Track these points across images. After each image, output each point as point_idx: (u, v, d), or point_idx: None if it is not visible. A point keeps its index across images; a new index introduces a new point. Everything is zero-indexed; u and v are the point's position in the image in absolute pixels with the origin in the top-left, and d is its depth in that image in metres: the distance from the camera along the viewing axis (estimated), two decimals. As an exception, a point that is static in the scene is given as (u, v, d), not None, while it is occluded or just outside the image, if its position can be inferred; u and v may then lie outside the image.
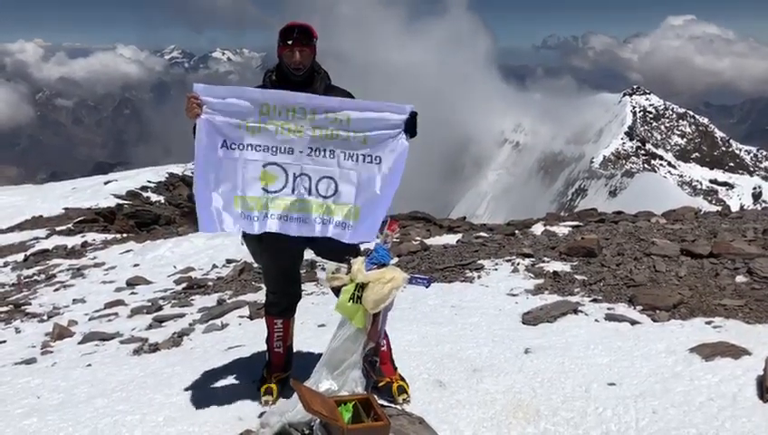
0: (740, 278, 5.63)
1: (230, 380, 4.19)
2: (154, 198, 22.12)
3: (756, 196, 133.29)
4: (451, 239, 9.19)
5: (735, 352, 3.85)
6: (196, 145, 3.41)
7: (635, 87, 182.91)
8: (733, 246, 6.32)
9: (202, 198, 3.43)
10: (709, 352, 3.88)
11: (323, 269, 3.22)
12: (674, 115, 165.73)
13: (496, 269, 7.08)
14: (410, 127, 3.41)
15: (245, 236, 3.74)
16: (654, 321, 4.86)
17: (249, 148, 3.44)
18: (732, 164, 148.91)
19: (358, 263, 3.18)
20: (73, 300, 8.74)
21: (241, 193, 3.46)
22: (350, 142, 3.44)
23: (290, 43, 3.40)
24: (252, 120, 3.41)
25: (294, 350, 4.03)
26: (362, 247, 3.67)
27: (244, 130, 3.42)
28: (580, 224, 9.17)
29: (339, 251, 3.43)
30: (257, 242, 3.66)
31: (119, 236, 15.13)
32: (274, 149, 3.44)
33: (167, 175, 24.63)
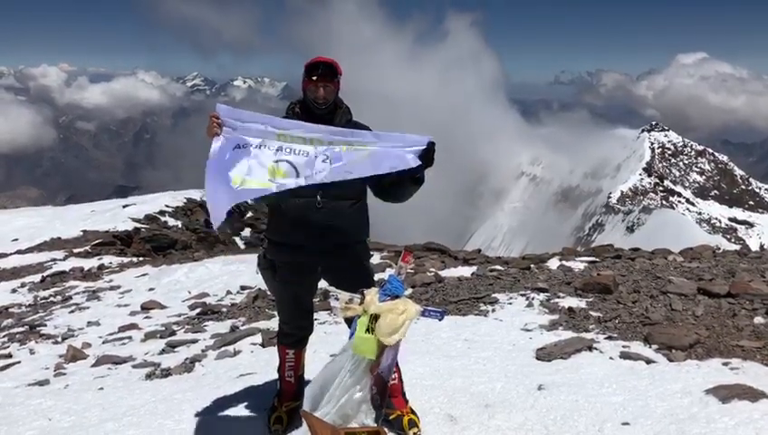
0: (758, 319, 5.55)
1: (240, 408, 4.19)
2: (171, 222, 22.23)
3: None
4: (466, 271, 9.16)
5: (753, 394, 3.77)
6: (210, 156, 3.36)
7: (653, 123, 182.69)
8: (751, 286, 6.23)
9: (211, 191, 3.33)
10: (726, 393, 3.81)
11: (336, 299, 3.21)
12: (692, 152, 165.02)
13: (511, 303, 7.04)
14: (427, 157, 3.37)
15: (260, 266, 3.76)
16: (670, 360, 4.79)
17: (262, 147, 3.38)
18: (752, 202, 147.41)
19: (371, 294, 3.18)
20: (88, 322, 8.79)
21: (245, 175, 3.34)
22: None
23: (314, 78, 3.45)
24: (270, 142, 3.39)
25: (306, 379, 4.03)
26: (376, 278, 3.67)
27: (260, 145, 3.39)
28: (597, 260, 9.11)
29: (353, 282, 3.44)
30: (272, 272, 3.68)
31: (135, 259, 15.25)
32: (288, 150, 3.38)
33: (185, 200, 24.78)
